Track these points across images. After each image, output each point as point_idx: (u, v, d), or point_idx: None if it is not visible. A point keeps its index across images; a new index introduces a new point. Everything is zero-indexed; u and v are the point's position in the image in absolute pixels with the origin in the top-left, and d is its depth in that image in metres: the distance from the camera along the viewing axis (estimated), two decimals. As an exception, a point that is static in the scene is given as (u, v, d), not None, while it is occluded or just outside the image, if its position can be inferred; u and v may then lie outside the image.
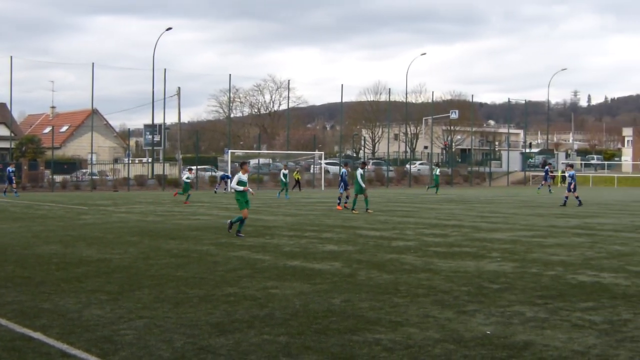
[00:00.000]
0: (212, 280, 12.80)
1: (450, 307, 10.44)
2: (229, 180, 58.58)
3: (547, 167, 61.81)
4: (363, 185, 31.59)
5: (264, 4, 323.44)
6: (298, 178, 62.41)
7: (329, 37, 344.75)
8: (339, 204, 34.29)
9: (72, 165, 72.44)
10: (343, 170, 35.00)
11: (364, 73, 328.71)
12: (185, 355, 7.86)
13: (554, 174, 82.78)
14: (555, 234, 21.84)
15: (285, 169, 48.94)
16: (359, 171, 31.90)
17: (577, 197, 36.63)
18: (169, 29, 75.77)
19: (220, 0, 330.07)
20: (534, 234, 21.62)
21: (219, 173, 62.93)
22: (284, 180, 47.13)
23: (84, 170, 71.50)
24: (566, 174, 38.45)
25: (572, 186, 36.77)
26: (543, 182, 58.80)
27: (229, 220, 21.61)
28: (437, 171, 58.36)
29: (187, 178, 41.28)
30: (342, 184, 34.69)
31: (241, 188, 20.68)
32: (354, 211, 31.12)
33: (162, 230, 22.61)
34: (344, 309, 10.30)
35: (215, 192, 57.40)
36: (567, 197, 37.01)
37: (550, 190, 56.55)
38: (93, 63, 66.44)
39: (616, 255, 16.50)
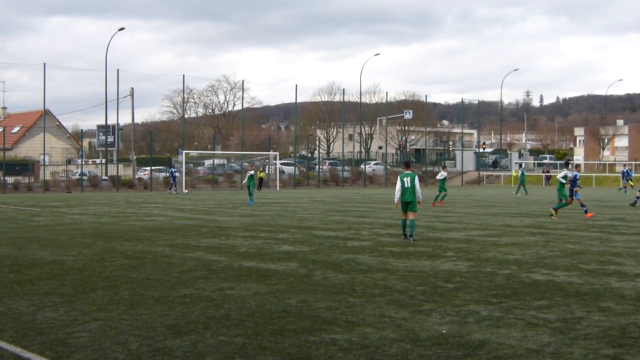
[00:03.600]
0: (168, 281, 12.72)
1: (406, 306, 10.48)
2: (175, 176, 58.51)
3: (625, 169, 61.85)
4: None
5: (221, 4, 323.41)
6: (262, 177, 62.84)
7: (286, 38, 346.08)
8: (586, 211, 29.33)
9: (24, 166, 71.55)
10: (575, 173, 29.76)
11: (319, 74, 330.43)
12: (140, 357, 7.80)
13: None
14: (510, 233, 22.03)
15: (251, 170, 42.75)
16: (568, 173, 29.27)
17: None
18: (122, 29, 74.95)
19: (177, 0, 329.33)
20: (488, 234, 21.79)
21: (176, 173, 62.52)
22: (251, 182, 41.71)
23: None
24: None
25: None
26: (625, 184, 58.84)
27: (410, 236, 19.75)
28: (521, 170, 58.43)
29: (441, 175, 38.70)
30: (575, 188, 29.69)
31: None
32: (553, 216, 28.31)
33: (117, 232, 22.43)
34: (300, 309, 10.29)
35: (176, 192, 57.22)
36: (638, 197, 37.12)
37: (625, 190, 56.42)
38: (45, 63, 65.76)
39: (569, 254, 16.67)
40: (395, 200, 19.92)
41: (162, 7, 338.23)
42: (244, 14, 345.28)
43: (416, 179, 19.65)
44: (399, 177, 19.92)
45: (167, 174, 63.12)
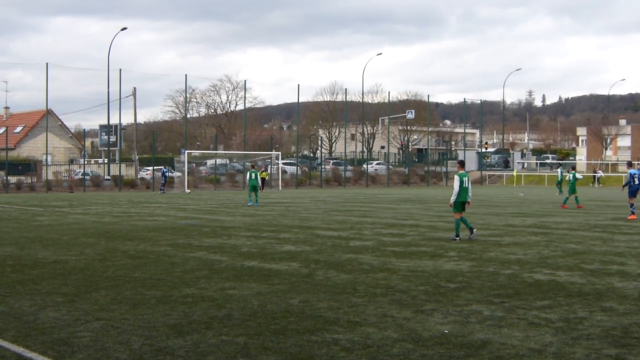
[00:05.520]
0: (170, 281, 12.72)
1: (408, 306, 10.47)
2: (166, 176, 58.88)
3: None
4: None
5: (225, 5, 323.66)
6: (264, 177, 62.97)
7: (289, 38, 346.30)
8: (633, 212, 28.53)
9: (26, 166, 71.59)
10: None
11: (321, 73, 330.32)
12: (142, 357, 7.80)
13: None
14: (512, 232, 22.02)
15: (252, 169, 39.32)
16: None
17: None
18: (124, 29, 75.14)
19: (181, 1, 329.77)
20: (490, 233, 21.79)
21: (176, 173, 62.61)
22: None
23: None
24: None
25: None
26: None
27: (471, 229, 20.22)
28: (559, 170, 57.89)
29: (580, 175, 36.19)
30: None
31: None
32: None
33: (119, 232, 22.43)
34: (302, 309, 10.29)
35: (163, 191, 57.46)
36: None
37: None
38: (47, 63, 65.83)
39: (571, 254, 16.66)
40: (452, 200, 19.69)
41: (165, 8, 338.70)
42: (247, 14, 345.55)
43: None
44: (457, 177, 19.77)
45: (160, 174, 63.23)
